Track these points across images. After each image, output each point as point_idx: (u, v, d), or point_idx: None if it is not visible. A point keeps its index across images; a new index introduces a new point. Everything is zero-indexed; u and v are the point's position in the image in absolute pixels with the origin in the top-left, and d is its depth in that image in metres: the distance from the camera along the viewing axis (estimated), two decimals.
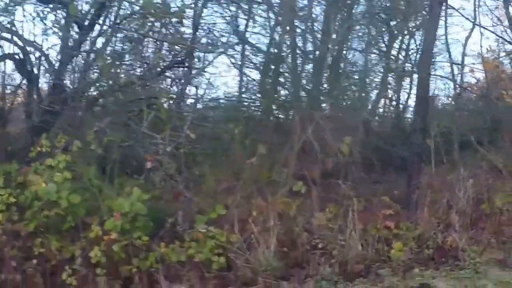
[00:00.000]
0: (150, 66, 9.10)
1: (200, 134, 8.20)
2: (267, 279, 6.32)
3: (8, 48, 8.70)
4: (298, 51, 11.03)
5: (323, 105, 10.82)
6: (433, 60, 10.85)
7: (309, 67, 11.56)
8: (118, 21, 8.66)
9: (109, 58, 8.64)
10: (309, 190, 7.27)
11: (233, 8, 10.90)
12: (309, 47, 11.45)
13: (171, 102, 9.62)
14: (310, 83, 11.17)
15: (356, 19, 11.78)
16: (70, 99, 8.07)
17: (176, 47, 9.25)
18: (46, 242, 6.44)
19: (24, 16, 8.58)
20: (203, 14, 10.41)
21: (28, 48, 8.43)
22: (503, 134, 10.81)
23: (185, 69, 10.06)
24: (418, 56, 12.04)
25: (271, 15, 11.14)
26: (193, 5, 9.96)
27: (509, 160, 9.26)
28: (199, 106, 10.60)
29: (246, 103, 11.25)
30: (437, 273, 6.53)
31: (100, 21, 8.68)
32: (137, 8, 8.15)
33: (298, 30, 11.10)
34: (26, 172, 6.84)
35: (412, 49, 12.86)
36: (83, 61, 8.89)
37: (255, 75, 11.76)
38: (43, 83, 9.12)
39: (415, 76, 10.84)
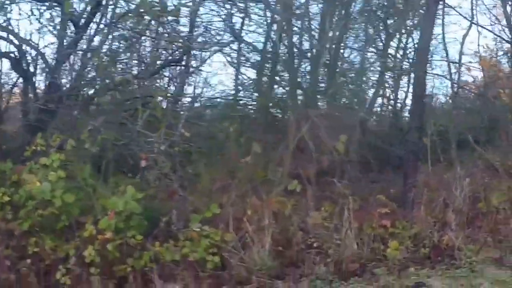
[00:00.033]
0: (147, 64, 9.07)
1: (195, 133, 8.18)
2: (262, 278, 6.29)
3: (4, 46, 8.69)
4: (294, 50, 11.01)
5: (320, 103, 10.79)
6: (430, 58, 10.91)
7: (306, 65, 11.56)
8: (114, 19, 8.62)
9: (105, 56, 8.60)
10: (305, 189, 7.24)
11: (229, 6, 10.86)
12: (306, 45, 11.47)
13: (167, 100, 9.59)
14: (307, 82, 11.15)
15: (353, 17, 11.77)
16: (66, 98, 8.03)
17: (173, 45, 9.23)
18: (40, 241, 6.36)
19: (20, 14, 8.53)
20: (199, 13, 10.37)
21: (24, 47, 8.39)
22: (500, 133, 10.84)
23: (182, 67, 10.04)
24: (415, 54, 12.03)
25: (267, 13, 11.13)
26: (189, 3, 9.93)
27: (506, 159, 9.27)
28: (196, 104, 10.59)
29: (242, 102, 11.22)
30: (432, 272, 6.52)
31: (96, 20, 8.64)
32: (133, 6, 8.12)
33: (295, 29, 11.10)
34: (20, 171, 6.78)
35: (410, 47, 12.89)
36: (79, 60, 8.86)
37: (251, 73, 11.78)
38: (39, 81, 9.11)
39: (413, 75, 10.83)
